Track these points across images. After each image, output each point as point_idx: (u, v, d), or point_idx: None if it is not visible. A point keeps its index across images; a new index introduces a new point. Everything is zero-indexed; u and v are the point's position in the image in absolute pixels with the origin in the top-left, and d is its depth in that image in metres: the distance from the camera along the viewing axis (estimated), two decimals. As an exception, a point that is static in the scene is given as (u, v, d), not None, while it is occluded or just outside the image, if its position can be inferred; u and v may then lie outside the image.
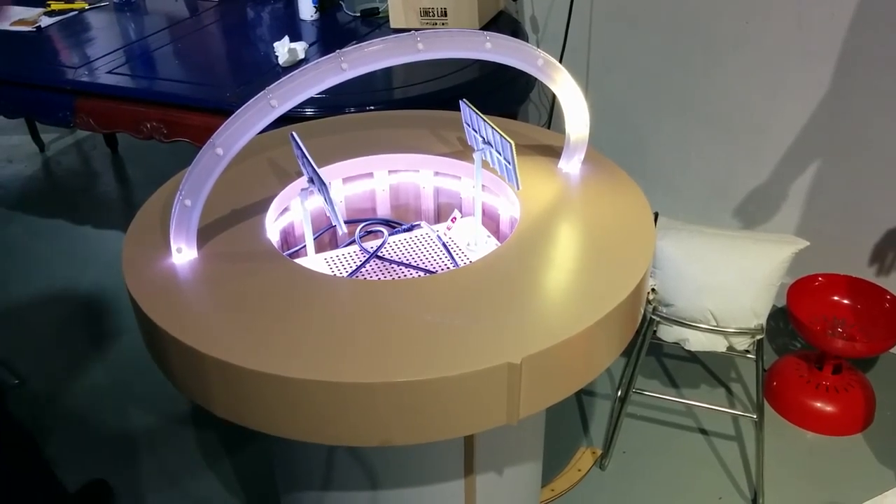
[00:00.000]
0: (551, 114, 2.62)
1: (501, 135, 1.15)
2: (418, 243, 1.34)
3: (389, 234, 1.36)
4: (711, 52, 2.22)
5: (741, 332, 1.73)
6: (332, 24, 2.41)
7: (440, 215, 1.47)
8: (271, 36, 2.26)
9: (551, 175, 1.32)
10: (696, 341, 1.79)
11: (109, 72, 2.09)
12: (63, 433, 2.04)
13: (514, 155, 1.14)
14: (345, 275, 1.24)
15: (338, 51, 1.02)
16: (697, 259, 1.72)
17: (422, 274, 1.25)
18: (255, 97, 1.01)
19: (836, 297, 2.04)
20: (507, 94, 2.12)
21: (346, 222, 1.37)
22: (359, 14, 2.42)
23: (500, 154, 1.20)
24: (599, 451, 1.96)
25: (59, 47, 2.31)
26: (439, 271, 1.25)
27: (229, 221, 1.20)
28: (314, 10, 2.41)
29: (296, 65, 2.04)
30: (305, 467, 1.33)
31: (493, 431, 1.00)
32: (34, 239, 2.13)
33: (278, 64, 2.04)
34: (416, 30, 1.06)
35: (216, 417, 1.02)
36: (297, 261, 1.14)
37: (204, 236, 1.14)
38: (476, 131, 1.25)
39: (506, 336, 0.96)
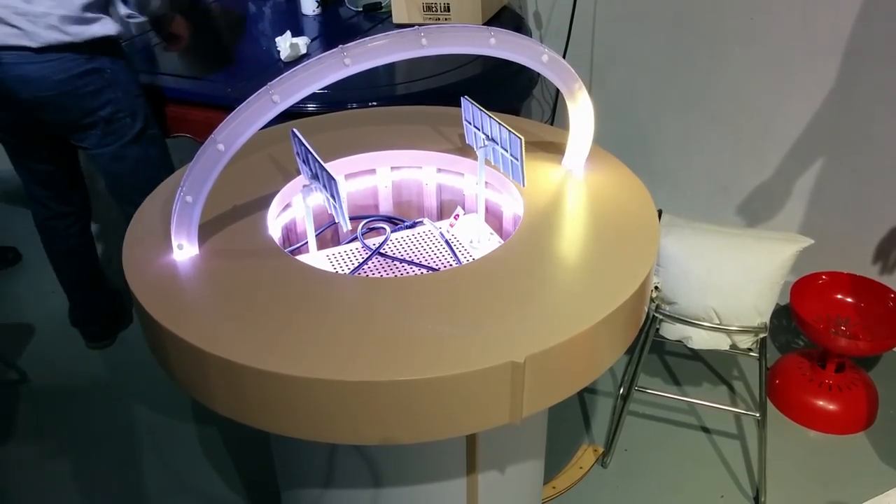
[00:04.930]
0: (554, 110, 2.61)
1: (510, 131, 1.14)
2: (421, 240, 1.33)
3: (392, 231, 1.35)
4: (716, 49, 2.21)
5: (744, 331, 1.72)
6: (335, 20, 2.40)
7: (443, 212, 1.46)
8: (273, 31, 2.25)
9: (555, 172, 1.31)
10: (699, 339, 1.78)
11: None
12: (65, 429, 2.04)
13: (523, 151, 1.13)
14: (347, 272, 1.24)
15: (341, 46, 1.01)
16: (701, 257, 1.72)
17: (424, 271, 1.24)
18: (257, 93, 1.00)
19: (839, 296, 2.04)
20: (509, 90, 2.11)
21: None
22: (361, 9, 2.41)
23: (505, 150, 1.19)
24: (601, 449, 1.96)
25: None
26: (442, 269, 1.24)
27: (231, 218, 1.19)
28: (316, 5, 2.40)
29: (298, 60, 2.03)
30: (307, 465, 1.32)
31: (496, 430, 1.00)
32: (36, 236, 2.13)
33: (280, 59, 2.03)
34: (420, 25, 1.05)
35: (218, 415, 1.01)
36: (299, 258, 1.14)
37: (205, 233, 1.14)
38: (479, 128, 1.24)
39: (509, 335, 0.95)
